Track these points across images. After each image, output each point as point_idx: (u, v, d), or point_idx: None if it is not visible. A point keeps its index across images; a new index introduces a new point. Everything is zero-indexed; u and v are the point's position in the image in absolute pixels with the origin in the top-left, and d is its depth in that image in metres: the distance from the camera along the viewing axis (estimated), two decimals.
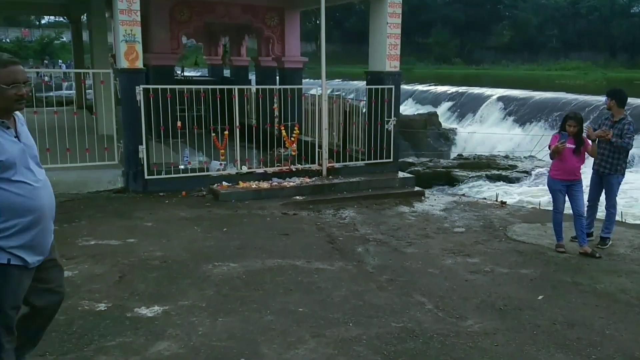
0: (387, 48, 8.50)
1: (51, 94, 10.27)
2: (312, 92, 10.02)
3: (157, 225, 6.35)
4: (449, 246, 6.06)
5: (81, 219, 6.49)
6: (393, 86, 8.81)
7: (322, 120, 8.57)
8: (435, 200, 8.37)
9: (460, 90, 26.95)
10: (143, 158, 7.43)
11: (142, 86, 7.27)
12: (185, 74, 21.01)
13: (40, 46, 48.96)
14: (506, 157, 16.70)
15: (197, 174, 7.95)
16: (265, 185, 7.94)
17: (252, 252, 5.56)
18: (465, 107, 24.90)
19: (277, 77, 12.11)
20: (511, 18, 57.20)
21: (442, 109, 25.27)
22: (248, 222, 6.69)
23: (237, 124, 8.02)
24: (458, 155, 17.00)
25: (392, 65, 8.66)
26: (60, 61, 42.12)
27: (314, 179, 8.42)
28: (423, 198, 8.42)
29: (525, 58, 51.91)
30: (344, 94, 16.42)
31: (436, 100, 27.34)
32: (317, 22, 57.59)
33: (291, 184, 8.09)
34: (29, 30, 52.33)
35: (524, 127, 21.34)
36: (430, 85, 30.43)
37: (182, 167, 7.98)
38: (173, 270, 5.01)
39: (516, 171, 14.78)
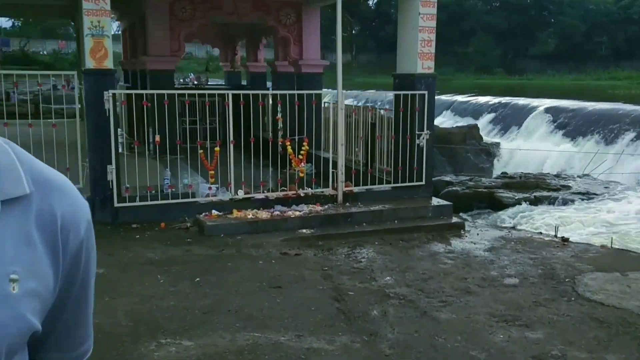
0: (418, 45, 6.80)
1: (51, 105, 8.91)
2: (327, 99, 8.49)
3: (109, 273, 4.86)
4: (499, 309, 4.50)
5: None
6: (426, 92, 7.13)
7: (337, 134, 7.01)
8: (477, 236, 6.71)
9: (504, 101, 25.02)
10: (112, 181, 5.97)
11: (111, 91, 5.84)
12: (210, 82, 19.97)
13: (75, 58, 48.64)
14: (557, 176, 14.84)
15: (182, 200, 6.45)
16: (264, 215, 6.37)
17: (223, 319, 4.04)
18: (509, 119, 23.02)
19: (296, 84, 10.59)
20: (557, 25, 54.38)
21: (483, 122, 23.50)
22: (233, 267, 5.17)
23: (232, 138, 6.50)
24: (502, 173, 15.17)
25: (425, 65, 6.97)
26: None
27: (326, 206, 6.83)
28: (462, 232, 6.80)
29: (572, 67, 49.03)
30: (378, 104, 14.87)
31: (477, 111, 25.51)
32: (353, 31, 56.17)
33: (297, 213, 6.51)
34: (66, 42, 52.26)
35: (575, 141, 19.40)
36: (470, 96, 28.56)
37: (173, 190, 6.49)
38: (97, 351, 3.49)
39: (571, 192, 12.95)
